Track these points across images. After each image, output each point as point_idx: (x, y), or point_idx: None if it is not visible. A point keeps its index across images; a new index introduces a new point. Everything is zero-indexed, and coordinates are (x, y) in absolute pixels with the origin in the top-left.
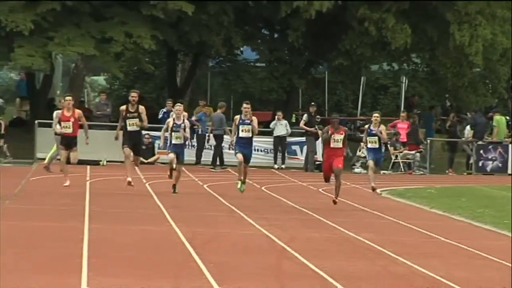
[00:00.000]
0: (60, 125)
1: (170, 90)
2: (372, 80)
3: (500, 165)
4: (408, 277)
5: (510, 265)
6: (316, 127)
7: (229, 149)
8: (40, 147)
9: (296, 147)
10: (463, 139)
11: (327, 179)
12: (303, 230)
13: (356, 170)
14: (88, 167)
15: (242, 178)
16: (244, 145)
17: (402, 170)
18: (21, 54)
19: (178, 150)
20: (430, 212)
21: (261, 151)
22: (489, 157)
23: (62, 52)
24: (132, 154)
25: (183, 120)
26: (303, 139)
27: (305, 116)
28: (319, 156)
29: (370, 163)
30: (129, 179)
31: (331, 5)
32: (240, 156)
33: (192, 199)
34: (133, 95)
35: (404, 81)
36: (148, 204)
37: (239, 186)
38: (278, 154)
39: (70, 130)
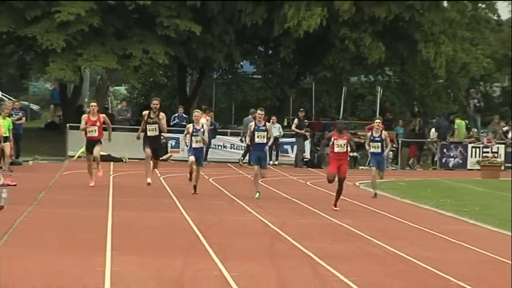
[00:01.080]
0: (85, 129)
1: (180, 98)
2: (352, 90)
3: (460, 161)
4: (381, 257)
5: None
6: (305, 129)
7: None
8: (70, 147)
9: (287, 147)
10: (429, 139)
11: (331, 181)
12: (293, 217)
13: None
14: (112, 163)
15: (259, 191)
16: (260, 150)
17: None
18: (55, 68)
19: (198, 153)
20: (400, 201)
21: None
22: (451, 154)
23: (89, 66)
24: (152, 157)
25: (202, 125)
26: (294, 139)
27: (295, 120)
28: (307, 154)
29: (373, 170)
30: (149, 180)
31: (317, 26)
32: (256, 168)
33: (199, 190)
34: (155, 103)
35: (379, 91)
36: (162, 195)
37: (256, 196)
38: (272, 152)
39: (95, 134)
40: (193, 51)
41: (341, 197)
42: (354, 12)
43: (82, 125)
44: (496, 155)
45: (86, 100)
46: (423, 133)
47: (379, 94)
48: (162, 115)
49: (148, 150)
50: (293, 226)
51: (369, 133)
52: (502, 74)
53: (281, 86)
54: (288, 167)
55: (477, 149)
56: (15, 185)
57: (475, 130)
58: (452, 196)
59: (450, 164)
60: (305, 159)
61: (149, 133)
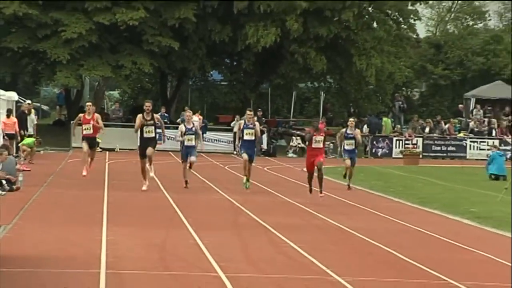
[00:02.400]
0: (81, 126)
1: (162, 101)
2: (300, 94)
3: (387, 151)
4: (324, 227)
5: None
6: (262, 125)
7: (234, 149)
8: (74, 140)
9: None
10: (364, 134)
11: (311, 174)
12: (253, 196)
13: (290, 155)
14: (107, 152)
15: (247, 175)
16: (249, 147)
17: None
18: (61, 76)
19: (190, 150)
20: (339, 183)
21: (224, 142)
22: (379, 146)
23: (89, 75)
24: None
25: (193, 124)
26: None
27: (235, 121)
28: (264, 146)
29: (347, 162)
30: (144, 188)
31: (272, 42)
32: (245, 156)
33: (178, 175)
34: (148, 105)
35: (322, 95)
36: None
37: (244, 181)
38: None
39: (90, 132)
40: (172, 63)
41: (292, 180)
42: (302, 31)
43: (75, 120)
44: (415, 146)
45: (85, 101)
46: (359, 128)
47: (322, 97)
48: (156, 116)
49: (143, 162)
50: (253, 203)
51: (343, 130)
52: (420, 82)
53: (243, 91)
54: None
55: (400, 141)
56: (29, 170)
57: (399, 126)
58: (381, 179)
59: (379, 154)
60: (262, 150)
61: (145, 135)
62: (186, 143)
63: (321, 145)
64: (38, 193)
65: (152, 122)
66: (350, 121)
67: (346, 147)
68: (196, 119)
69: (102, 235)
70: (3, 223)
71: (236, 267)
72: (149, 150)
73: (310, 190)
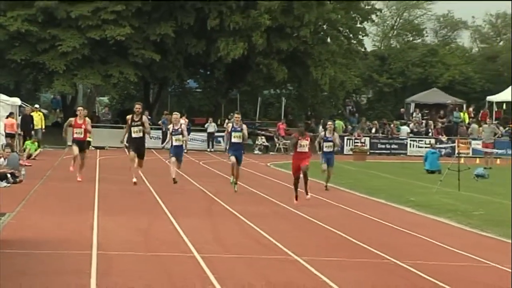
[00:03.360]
0: (72, 128)
1: (145, 105)
2: (264, 99)
3: (339, 149)
4: (286, 215)
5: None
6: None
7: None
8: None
9: (220, 138)
10: (318, 133)
11: (296, 179)
12: (224, 187)
13: (256, 152)
14: (98, 150)
15: (235, 179)
16: (236, 149)
17: (282, 151)
18: (58, 84)
19: (178, 150)
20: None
21: (199, 140)
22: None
23: (82, 83)
24: (136, 158)
25: (180, 125)
26: (224, 133)
27: (227, 121)
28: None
29: (324, 166)
30: (134, 180)
31: (240, 54)
32: (233, 158)
33: (159, 170)
34: (137, 107)
35: (283, 100)
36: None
37: (231, 181)
38: (210, 142)
39: (81, 136)
40: (154, 72)
41: (257, 173)
42: (266, 45)
43: (66, 125)
44: (363, 144)
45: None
46: (314, 129)
47: (283, 102)
48: (144, 118)
49: (132, 153)
50: (224, 194)
51: (322, 133)
52: (367, 89)
53: (215, 97)
54: (220, 153)
55: (350, 140)
56: (30, 165)
57: (350, 127)
58: (334, 173)
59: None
60: None
61: (133, 135)
62: (174, 143)
63: (306, 149)
64: (38, 185)
65: (140, 123)
66: (329, 124)
67: (325, 149)
68: (183, 121)
69: (94, 221)
70: (8, 211)
71: (209, 248)
72: (140, 163)
73: (296, 197)
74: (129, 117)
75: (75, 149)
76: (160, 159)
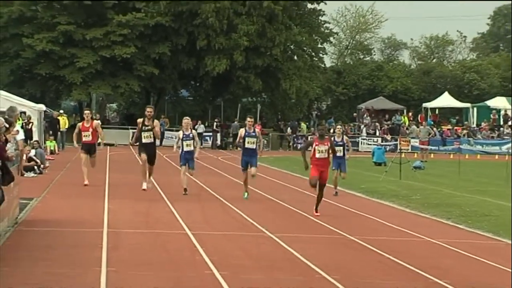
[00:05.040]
0: (80, 135)
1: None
2: (244, 105)
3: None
4: (260, 199)
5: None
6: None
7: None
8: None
9: (207, 137)
10: (287, 133)
11: (313, 185)
12: (210, 178)
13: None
14: (108, 147)
15: (246, 188)
16: (250, 155)
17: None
18: (75, 93)
19: (188, 156)
20: (272, 169)
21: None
22: (299, 142)
23: (96, 92)
24: (147, 163)
25: (191, 130)
26: (211, 133)
27: (215, 124)
28: (218, 142)
29: (335, 172)
30: (144, 187)
31: (224, 69)
32: (245, 172)
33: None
34: (149, 110)
35: (258, 106)
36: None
37: (245, 197)
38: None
39: (89, 138)
40: (154, 84)
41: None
42: (245, 62)
43: (75, 132)
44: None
45: (94, 111)
46: (283, 130)
47: (258, 108)
48: (156, 122)
49: (144, 156)
50: (211, 183)
51: (332, 138)
52: (326, 97)
53: (203, 103)
54: (208, 149)
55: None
56: (53, 159)
57: (312, 129)
58: (298, 165)
59: (298, 147)
60: (217, 144)
61: (144, 140)
62: (185, 148)
63: (326, 155)
64: (59, 175)
65: (150, 127)
66: (338, 128)
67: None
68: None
69: (104, 205)
70: (35, 196)
71: (198, 226)
72: (150, 169)
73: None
74: (140, 120)
75: (83, 156)
76: (159, 154)
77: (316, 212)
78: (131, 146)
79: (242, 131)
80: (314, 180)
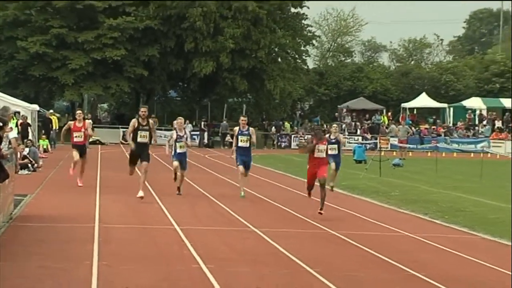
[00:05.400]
0: (70, 134)
1: (136, 111)
2: (230, 106)
3: (287, 144)
4: (246, 195)
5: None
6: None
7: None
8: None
9: (195, 136)
10: (271, 132)
11: (310, 187)
12: (198, 175)
13: (222, 147)
14: (100, 145)
15: (243, 188)
16: (244, 154)
17: None
18: (68, 94)
19: (182, 157)
20: (257, 166)
21: None
22: (283, 140)
23: (87, 93)
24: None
25: (184, 131)
26: (198, 132)
27: (202, 123)
28: (205, 140)
29: (332, 165)
30: (141, 194)
31: (210, 71)
32: (241, 168)
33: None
34: (143, 110)
35: (244, 106)
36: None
37: (241, 195)
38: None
39: (81, 139)
40: (143, 85)
41: (224, 163)
42: (230, 64)
43: (64, 128)
44: (305, 139)
45: (86, 111)
46: (268, 129)
47: (244, 108)
48: (151, 122)
49: (133, 167)
50: (199, 180)
51: (327, 136)
52: (309, 98)
53: (191, 104)
54: (195, 148)
55: (297, 137)
56: (46, 157)
57: (296, 128)
58: (283, 163)
59: (282, 145)
60: (204, 143)
61: (139, 139)
62: (178, 150)
63: (324, 155)
64: (52, 173)
65: (147, 127)
66: (334, 127)
67: (330, 152)
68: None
69: (96, 200)
70: (29, 192)
71: (186, 221)
72: (145, 165)
73: (309, 194)
74: (134, 120)
75: (76, 155)
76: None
77: (321, 210)
78: (121, 145)
79: (236, 129)
80: (311, 185)
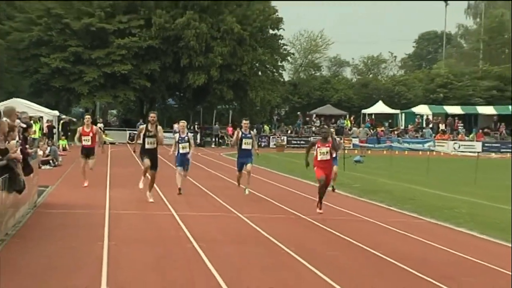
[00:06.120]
0: (80, 139)
1: (141, 116)
2: (218, 111)
3: (267, 144)
4: (232, 187)
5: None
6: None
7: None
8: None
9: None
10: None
11: (321, 182)
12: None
13: (212, 145)
14: (110, 145)
15: (243, 185)
16: (246, 156)
17: (230, 146)
18: (83, 102)
19: (184, 158)
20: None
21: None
22: (263, 140)
23: (99, 101)
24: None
25: (186, 133)
26: (192, 134)
27: (195, 126)
28: (198, 141)
29: (335, 168)
30: (151, 200)
31: (203, 82)
32: (238, 174)
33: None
34: (152, 116)
35: (230, 112)
36: (134, 161)
37: (245, 192)
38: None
39: (89, 143)
40: (146, 94)
41: (215, 160)
42: (219, 76)
43: (76, 136)
44: (282, 140)
45: (98, 116)
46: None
47: (230, 114)
48: (159, 128)
49: (147, 161)
50: (193, 174)
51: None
52: (284, 105)
53: (186, 110)
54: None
55: (274, 138)
56: (65, 155)
57: (273, 130)
58: (264, 160)
59: (262, 145)
60: (197, 143)
61: (147, 146)
62: (181, 150)
63: (328, 157)
64: (70, 168)
65: (154, 133)
66: (331, 130)
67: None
68: (176, 126)
69: (106, 192)
70: (50, 184)
71: (181, 208)
72: (152, 173)
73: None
74: (142, 127)
75: (82, 161)
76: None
77: (320, 209)
78: (128, 145)
79: (238, 133)
80: (322, 179)
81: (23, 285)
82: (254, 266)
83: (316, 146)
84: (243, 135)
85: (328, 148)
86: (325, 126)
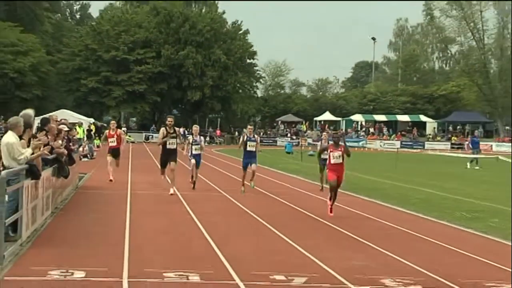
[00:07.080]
0: (107, 140)
1: (153, 122)
2: (210, 119)
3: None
4: (218, 174)
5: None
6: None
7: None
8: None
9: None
10: (235, 135)
11: (333, 187)
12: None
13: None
14: (131, 143)
15: (248, 182)
16: (250, 157)
17: (218, 144)
18: (111, 112)
19: (197, 158)
20: (226, 156)
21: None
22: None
23: (123, 111)
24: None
25: (199, 137)
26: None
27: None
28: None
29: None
30: (172, 191)
31: (199, 97)
32: (244, 170)
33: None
34: (170, 120)
35: (219, 119)
36: (147, 155)
37: (251, 185)
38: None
39: (114, 143)
40: (157, 106)
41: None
42: (211, 93)
43: (103, 138)
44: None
45: (122, 122)
46: (233, 133)
47: (219, 121)
48: (178, 129)
49: (164, 169)
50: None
51: (319, 142)
52: (258, 115)
53: (186, 118)
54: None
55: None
56: (98, 150)
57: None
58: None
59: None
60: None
61: (168, 146)
62: (194, 151)
63: (340, 160)
64: (101, 161)
65: (174, 134)
66: (324, 134)
67: (323, 156)
68: (181, 130)
69: (128, 176)
70: (88, 172)
71: (183, 188)
72: (173, 164)
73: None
74: (163, 129)
75: (109, 158)
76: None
77: (331, 212)
78: (144, 143)
79: (244, 137)
80: (334, 182)
81: (68, 245)
82: (236, 231)
83: (329, 151)
84: (248, 138)
85: (341, 152)
86: (335, 138)
